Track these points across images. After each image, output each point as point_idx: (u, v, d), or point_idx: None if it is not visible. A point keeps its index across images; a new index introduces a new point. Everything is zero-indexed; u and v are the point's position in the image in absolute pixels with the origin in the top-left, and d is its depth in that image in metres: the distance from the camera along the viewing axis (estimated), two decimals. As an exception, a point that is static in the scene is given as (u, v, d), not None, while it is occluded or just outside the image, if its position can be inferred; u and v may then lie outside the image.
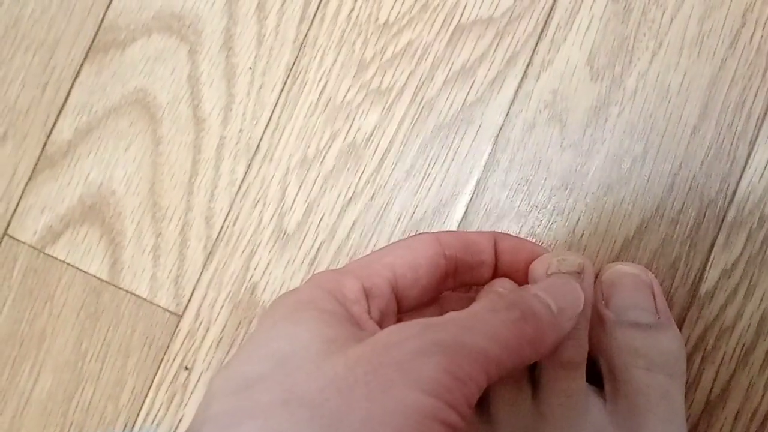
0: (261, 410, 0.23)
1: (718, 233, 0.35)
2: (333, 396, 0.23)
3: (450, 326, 0.25)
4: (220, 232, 0.39)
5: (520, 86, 0.38)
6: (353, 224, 0.38)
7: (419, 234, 0.33)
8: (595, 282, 0.34)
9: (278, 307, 0.28)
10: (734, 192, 0.36)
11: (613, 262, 0.36)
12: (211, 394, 0.25)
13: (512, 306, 0.27)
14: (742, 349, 0.35)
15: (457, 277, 0.33)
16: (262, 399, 0.24)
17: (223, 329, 0.39)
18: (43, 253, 0.41)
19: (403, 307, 0.32)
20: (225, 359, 0.38)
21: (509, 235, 0.34)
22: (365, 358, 0.24)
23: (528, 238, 0.37)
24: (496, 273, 0.34)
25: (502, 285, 0.33)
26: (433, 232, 0.33)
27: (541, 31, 0.38)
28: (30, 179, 0.42)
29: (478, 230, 0.37)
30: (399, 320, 0.32)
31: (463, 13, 0.39)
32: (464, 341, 0.25)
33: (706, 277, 0.35)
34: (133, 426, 0.39)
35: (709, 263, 0.35)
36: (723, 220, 0.36)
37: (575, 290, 0.31)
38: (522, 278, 0.33)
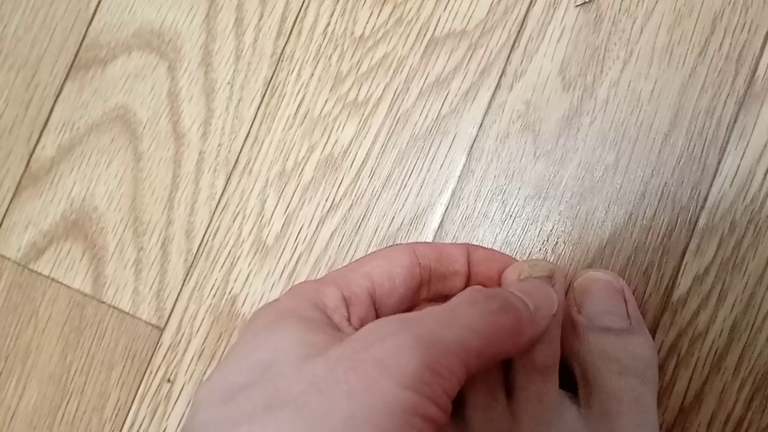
0: (245, 417, 0.24)
1: (690, 239, 0.36)
2: (314, 397, 0.23)
3: (427, 320, 0.26)
4: (200, 245, 0.40)
5: (493, 97, 0.38)
6: (331, 235, 0.39)
7: (395, 245, 0.33)
8: (567, 289, 0.35)
9: (259, 318, 0.29)
10: (705, 198, 0.36)
11: (586, 269, 0.36)
12: (196, 405, 0.26)
13: (491, 298, 0.28)
14: (715, 354, 0.35)
15: (431, 287, 0.34)
16: (246, 406, 0.24)
17: (204, 341, 0.39)
18: (27, 268, 0.42)
19: (381, 315, 0.32)
20: (206, 371, 0.39)
21: (482, 246, 0.35)
22: (345, 357, 0.24)
23: (502, 247, 0.37)
24: (469, 283, 0.34)
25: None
26: (408, 243, 0.33)
27: (514, 43, 0.38)
28: (14, 196, 0.42)
29: (454, 241, 0.38)
30: None
31: (436, 26, 0.39)
32: (442, 334, 0.25)
33: (679, 283, 0.36)
34: (117, 438, 0.40)
35: (682, 269, 0.36)
36: (695, 227, 0.36)
37: (549, 291, 0.31)
38: (493, 287, 0.34)
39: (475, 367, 0.26)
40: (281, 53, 0.41)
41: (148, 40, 0.42)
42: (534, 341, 0.30)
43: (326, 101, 0.40)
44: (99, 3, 0.43)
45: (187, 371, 0.39)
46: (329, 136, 0.40)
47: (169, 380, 0.39)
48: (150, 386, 0.40)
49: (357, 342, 0.25)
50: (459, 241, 0.38)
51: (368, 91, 0.40)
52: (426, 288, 0.33)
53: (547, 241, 0.37)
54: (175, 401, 0.39)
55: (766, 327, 0.35)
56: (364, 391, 0.23)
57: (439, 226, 0.38)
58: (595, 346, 0.33)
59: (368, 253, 0.36)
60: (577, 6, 0.38)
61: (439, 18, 0.39)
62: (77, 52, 0.43)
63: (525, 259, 0.37)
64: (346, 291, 0.30)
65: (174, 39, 0.42)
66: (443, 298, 0.35)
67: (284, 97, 0.40)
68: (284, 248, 0.39)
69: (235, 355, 0.27)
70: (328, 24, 0.40)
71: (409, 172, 0.39)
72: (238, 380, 0.25)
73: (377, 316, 0.32)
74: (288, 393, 0.24)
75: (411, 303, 0.33)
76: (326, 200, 0.39)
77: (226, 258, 0.40)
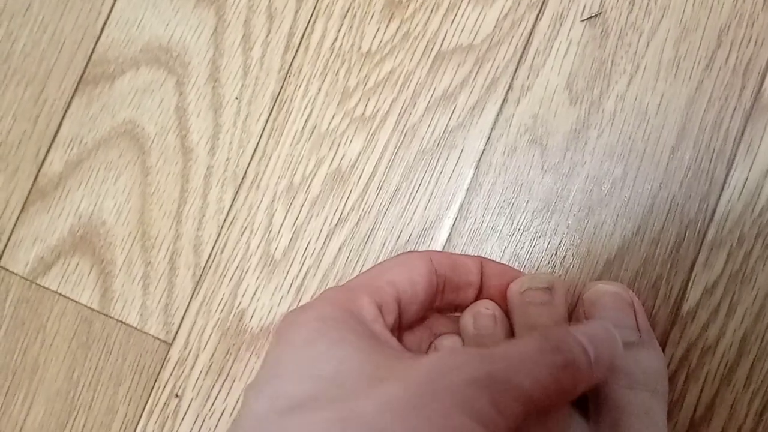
0: (320, 429, 0.24)
1: (698, 252, 0.36)
2: (390, 417, 0.24)
3: (502, 361, 0.26)
4: (208, 259, 0.40)
5: (500, 111, 0.38)
6: (339, 249, 0.39)
7: (410, 252, 0.33)
8: (577, 301, 0.35)
9: (301, 324, 0.28)
10: (713, 211, 0.36)
11: (595, 281, 0.36)
12: (256, 415, 0.25)
13: (557, 351, 0.28)
14: (725, 367, 0.35)
15: (444, 296, 0.34)
16: (317, 418, 0.24)
17: (212, 356, 0.39)
18: (35, 283, 0.42)
19: (402, 324, 0.32)
20: (214, 386, 0.39)
21: (495, 261, 0.35)
22: (423, 383, 0.25)
23: (511, 261, 0.37)
24: (480, 295, 0.34)
25: (486, 306, 0.34)
26: (424, 251, 0.33)
27: (521, 57, 0.39)
28: (22, 211, 0.42)
29: (464, 253, 0.38)
30: (398, 338, 0.33)
31: (443, 41, 0.39)
32: (513, 379, 0.26)
33: (688, 296, 0.36)
34: (124, 454, 0.40)
35: (691, 282, 0.36)
36: (703, 240, 0.36)
37: (613, 338, 0.31)
38: (505, 302, 0.34)
39: (530, 413, 0.26)
40: (289, 68, 0.41)
41: (157, 55, 0.42)
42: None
43: (333, 116, 0.40)
44: (108, 18, 0.43)
45: (194, 386, 0.39)
46: (337, 151, 0.40)
47: (176, 395, 0.39)
48: (158, 401, 0.39)
49: (433, 369, 0.26)
50: (467, 255, 0.38)
51: (375, 105, 0.40)
52: (440, 296, 0.34)
53: (556, 254, 0.37)
54: (183, 416, 0.39)
55: (775, 340, 0.35)
56: (441, 419, 0.24)
57: (447, 239, 0.38)
58: None
59: (379, 262, 0.36)
60: (584, 20, 0.38)
61: (446, 33, 0.39)
62: (85, 67, 0.43)
63: (530, 272, 0.37)
64: (377, 299, 0.30)
65: (182, 54, 0.42)
66: (454, 307, 0.35)
67: (292, 112, 0.40)
68: (292, 262, 0.39)
69: (288, 362, 0.27)
70: (336, 39, 0.40)
71: (417, 186, 0.39)
72: (302, 390, 0.25)
73: (401, 324, 0.32)
74: (363, 409, 0.24)
75: (428, 311, 0.34)
76: (334, 214, 0.39)
77: (234, 272, 0.40)
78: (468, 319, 0.34)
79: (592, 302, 0.34)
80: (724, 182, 0.36)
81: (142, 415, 0.40)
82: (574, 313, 0.36)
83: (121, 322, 0.40)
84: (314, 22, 0.41)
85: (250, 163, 0.40)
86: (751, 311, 0.35)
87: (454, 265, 0.34)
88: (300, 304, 0.39)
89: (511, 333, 0.34)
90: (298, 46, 0.41)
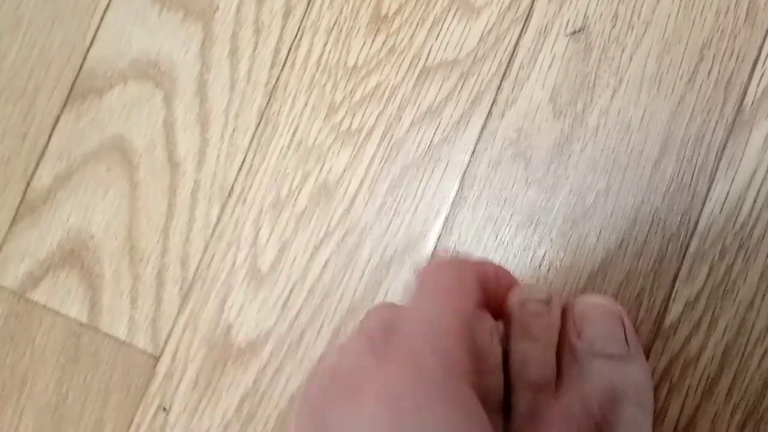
0: None
1: (680, 265, 0.36)
2: None
3: None
4: (195, 274, 0.40)
5: (485, 125, 0.39)
6: (325, 264, 0.39)
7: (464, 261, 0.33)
8: (566, 314, 0.35)
9: (415, 394, 0.23)
10: (696, 224, 0.36)
11: (581, 294, 0.36)
12: None
13: None
14: (707, 380, 0.35)
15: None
16: None
17: (199, 370, 0.39)
18: (24, 298, 0.42)
19: None
20: (201, 400, 0.39)
21: (488, 263, 0.35)
22: None
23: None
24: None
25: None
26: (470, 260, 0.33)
27: (505, 71, 0.39)
28: (11, 225, 0.43)
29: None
30: None
31: (428, 55, 0.40)
32: None
33: (670, 310, 0.36)
34: (113, 467, 0.40)
35: (673, 295, 0.36)
36: (685, 253, 0.36)
37: None
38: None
39: None
40: (275, 83, 0.41)
41: (144, 69, 0.43)
42: None
43: (320, 130, 0.40)
44: (96, 33, 0.43)
45: (182, 400, 0.39)
46: (323, 165, 0.40)
47: (164, 409, 0.39)
48: (146, 415, 0.40)
49: None
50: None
51: (361, 120, 0.40)
52: None
53: (540, 267, 0.37)
54: (171, 430, 0.39)
55: (757, 353, 0.35)
56: None
57: (432, 254, 0.38)
58: (594, 371, 0.33)
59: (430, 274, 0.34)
60: (567, 35, 0.39)
61: (431, 47, 0.40)
62: (74, 82, 0.43)
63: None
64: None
65: (170, 69, 0.42)
66: None
67: (278, 126, 0.41)
68: (279, 277, 0.39)
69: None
70: (322, 54, 0.41)
71: (403, 200, 0.39)
72: None
73: None
74: None
75: None
76: (320, 229, 0.39)
77: (221, 287, 0.40)
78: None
79: (582, 315, 0.35)
80: (706, 196, 0.36)
81: (130, 428, 0.40)
82: (563, 324, 0.36)
83: (110, 336, 0.41)
84: (301, 36, 0.41)
85: (237, 177, 0.41)
86: (732, 324, 0.35)
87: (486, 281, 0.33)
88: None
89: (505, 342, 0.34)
90: (285, 61, 0.41)
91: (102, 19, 0.44)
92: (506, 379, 0.33)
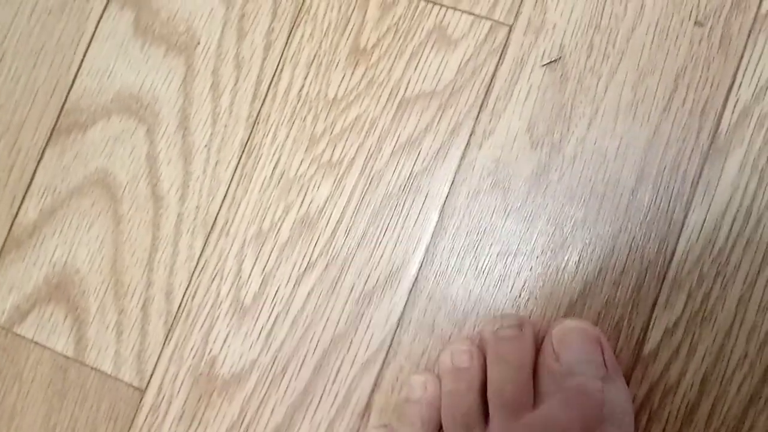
0: None
1: (659, 293, 0.36)
2: None
3: None
4: (179, 306, 0.41)
5: (463, 156, 0.39)
6: (308, 295, 0.40)
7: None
8: (544, 337, 0.36)
9: None
10: (673, 252, 0.37)
11: (562, 318, 0.37)
12: None
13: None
14: (686, 407, 0.36)
15: None
16: None
17: (185, 402, 0.40)
18: (11, 332, 0.42)
19: None
20: (187, 432, 0.40)
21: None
22: None
23: (476, 303, 0.38)
24: None
25: (462, 344, 0.37)
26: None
27: (482, 102, 0.39)
28: (-3, 260, 0.43)
29: (428, 297, 0.38)
30: None
31: (407, 87, 0.40)
32: None
33: (649, 337, 0.36)
34: (100, 500, 0.40)
35: (652, 323, 0.36)
36: (663, 281, 0.37)
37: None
38: None
39: None
40: (257, 116, 0.42)
41: (127, 104, 0.43)
42: None
43: (301, 162, 0.41)
44: (79, 68, 0.44)
45: (168, 432, 0.40)
46: (305, 196, 0.40)
47: (151, 441, 0.40)
48: (132, 448, 0.40)
49: None
50: (434, 299, 0.38)
51: (342, 151, 0.40)
52: None
53: (519, 296, 0.38)
54: (157, 462, 0.40)
55: (736, 379, 0.35)
56: None
57: (413, 283, 0.39)
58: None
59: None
60: (543, 65, 0.39)
61: (410, 79, 0.40)
62: (58, 116, 0.44)
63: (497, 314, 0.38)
64: None
65: (152, 103, 0.43)
66: None
67: (260, 158, 0.41)
68: (262, 308, 0.40)
69: None
70: (302, 87, 0.41)
71: (384, 230, 0.39)
72: None
73: None
74: None
75: None
76: (303, 259, 0.40)
77: (205, 319, 0.40)
78: (446, 356, 0.36)
79: (560, 339, 0.35)
80: (683, 223, 0.37)
81: (117, 461, 0.40)
82: (542, 348, 0.36)
83: (96, 369, 0.41)
84: (281, 70, 0.42)
85: (219, 210, 0.41)
86: (711, 351, 0.36)
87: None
88: (270, 351, 0.39)
89: (485, 367, 0.36)
90: (266, 94, 0.42)
91: (85, 53, 0.44)
92: (487, 402, 0.35)
